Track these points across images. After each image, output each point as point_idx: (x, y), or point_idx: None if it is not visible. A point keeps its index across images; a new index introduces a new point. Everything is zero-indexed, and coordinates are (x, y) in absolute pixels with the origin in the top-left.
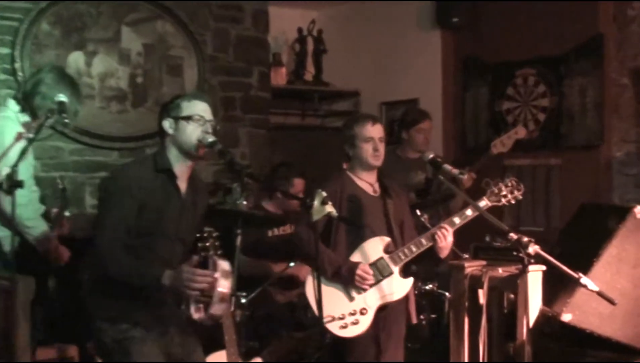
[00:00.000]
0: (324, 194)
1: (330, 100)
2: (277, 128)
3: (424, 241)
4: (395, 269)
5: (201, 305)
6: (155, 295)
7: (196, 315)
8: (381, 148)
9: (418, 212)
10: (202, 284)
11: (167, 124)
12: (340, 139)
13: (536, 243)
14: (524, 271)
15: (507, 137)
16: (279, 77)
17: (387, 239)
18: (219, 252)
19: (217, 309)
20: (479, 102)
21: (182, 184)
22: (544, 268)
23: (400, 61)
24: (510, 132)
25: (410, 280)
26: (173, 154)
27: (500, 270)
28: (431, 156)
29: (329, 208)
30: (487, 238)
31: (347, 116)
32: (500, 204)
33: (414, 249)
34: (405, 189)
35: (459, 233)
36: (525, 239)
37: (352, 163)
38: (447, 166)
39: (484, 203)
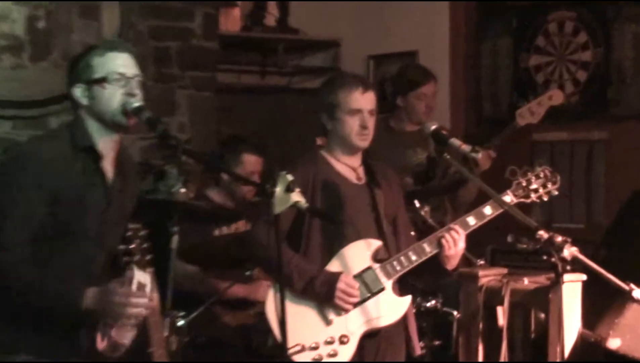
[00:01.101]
0: (290, 178)
1: (300, 52)
2: (228, 90)
3: (426, 247)
4: (388, 284)
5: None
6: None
7: (101, 345)
8: (371, 123)
9: (416, 203)
10: (140, 309)
11: (79, 93)
12: (314, 105)
13: (574, 243)
14: (557, 282)
15: (537, 103)
16: (231, 21)
17: (377, 242)
18: (147, 258)
19: (122, 336)
20: (499, 57)
21: (108, 167)
22: (584, 277)
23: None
24: (542, 97)
25: (408, 299)
26: (93, 126)
27: (526, 281)
28: (434, 127)
29: (297, 197)
30: (510, 238)
31: (322, 74)
32: (528, 200)
33: (413, 258)
34: (398, 175)
35: (472, 232)
36: (560, 239)
37: (330, 139)
38: (456, 141)
39: (508, 198)
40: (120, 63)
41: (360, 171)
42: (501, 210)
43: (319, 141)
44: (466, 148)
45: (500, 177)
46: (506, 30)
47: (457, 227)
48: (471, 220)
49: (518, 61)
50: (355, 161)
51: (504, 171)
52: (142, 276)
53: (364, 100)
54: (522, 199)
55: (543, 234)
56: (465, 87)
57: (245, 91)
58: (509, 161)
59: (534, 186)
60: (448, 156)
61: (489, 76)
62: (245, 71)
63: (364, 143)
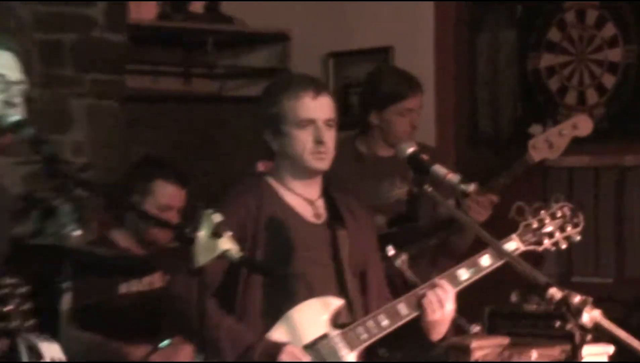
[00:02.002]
0: (218, 217)
1: (237, 49)
2: (141, 98)
3: (402, 309)
4: (351, 356)
5: None
6: None
7: None
8: (329, 137)
9: (391, 250)
10: None
11: None
12: (255, 119)
13: (597, 304)
14: (574, 357)
15: (557, 133)
16: (145, 7)
17: (337, 302)
18: (27, 324)
19: None
20: (501, 55)
21: None
22: (610, 350)
23: None
24: (564, 124)
25: None
26: None
27: (534, 354)
28: (411, 149)
29: (227, 244)
30: (513, 297)
31: (266, 77)
32: (541, 248)
33: (384, 323)
34: (370, 212)
35: (464, 289)
36: (578, 298)
37: (277, 162)
38: (440, 169)
39: (513, 244)
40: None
41: (320, 205)
42: (503, 261)
43: (261, 167)
44: (453, 178)
45: (503, 215)
46: (509, 21)
47: (444, 283)
48: (463, 274)
49: (524, 62)
50: (312, 191)
51: (508, 207)
52: (56, 350)
53: (317, 107)
54: (532, 247)
55: (556, 292)
56: (455, 96)
57: (164, 99)
58: (515, 193)
59: (548, 229)
60: (430, 189)
61: (487, 82)
62: (164, 72)
63: (321, 163)
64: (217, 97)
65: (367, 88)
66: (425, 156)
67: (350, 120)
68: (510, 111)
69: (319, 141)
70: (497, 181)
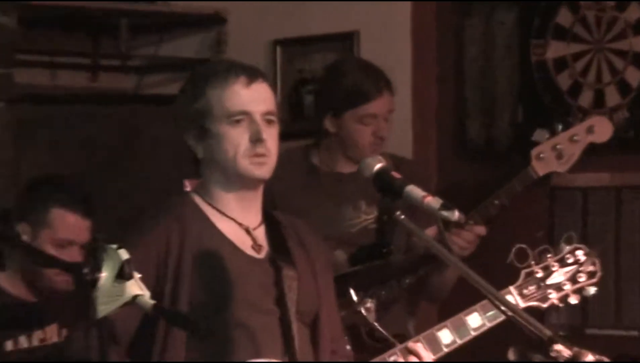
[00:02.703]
0: (124, 255)
1: (159, 35)
2: (35, 98)
3: None
4: None
5: None
6: None
7: None
8: (269, 135)
9: (353, 295)
10: None
11: None
12: (174, 119)
13: None
14: None
15: (567, 138)
16: None
17: None
18: None
19: None
20: (496, 44)
21: None
22: None
23: None
24: (577, 128)
25: None
26: None
27: None
28: (378, 165)
29: (136, 289)
30: (511, 355)
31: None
32: (546, 304)
33: None
34: (326, 243)
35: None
36: (591, 358)
37: (204, 174)
38: (416, 191)
39: (512, 298)
40: None
41: (260, 233)
42: (499, 320)
43: (188, 186)
44: (432, 202)
45: (496, 247)
46: (506, 0)
47: (419, 349)
48: (445, 336)
49: (526, 52)
50: (251, 214)
51: (504, 236)
52: None
53: (252, 96)
54: (535, 304)
55: (563, 350)
56: (438, 96)
57: (65, 99)
58: (513, 220)
59: (556, 279)
60: (403, 217)
61: (479, 76)
62: (65, 65)
63: (260, 169)
64: (134, 96)
65: (322, 87)
66: (396, 175)
67: (304, 126)
68: (508, 114)
69: (256, 140)
70: (490, 204)
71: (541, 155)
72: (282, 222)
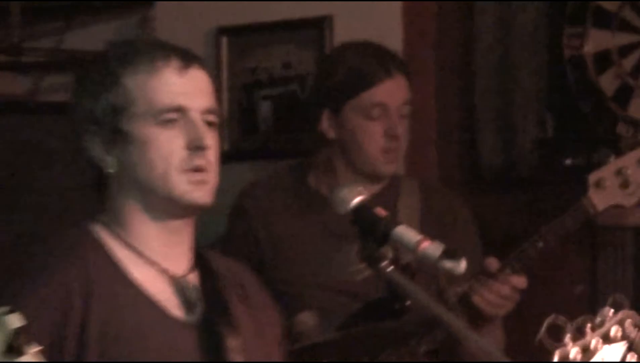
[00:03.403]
0: (17, 322)
1: (63, 23)
2: None
3: None
4: None
5: None
6: None
7: None
8: (212, 141)
9: None
10: None
11: None
12: (71, 123)
13: None
14: None
15: (635, 161)
16: None
17: None
18: None
19: None
20: (516, 34)
21: None
22: None
23: None
24: None
25: None
26: None
27: None
28: (358, 198)
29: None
30: None
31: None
32: None
33: None
34: (272, 299)
35: None
36: None
37: (116, 197)
38: (407, 234)
39: None
40: None
41: (191, 283)
42: None
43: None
44: (431, 250)
45: (522, 310)
46: None
47: None
48: None
49: (558, 44)
50: (180, 256)
51: (531, 298)
52: None
53: (188, 88)
54: None
55: None
56: (438, 103)
57: None
58: (542, 271)
59: (598, 358)
60: (391, 269)
61: (493, 78)
62: None
63: (201, 191)
64: (28, 102)
65: (315, 81)
66: (381, 212)
67: (258, 144)
68: (533, 128)
69: (195, 147)
70: (532, 247)
71: (601, 183)
72: (219, 267)
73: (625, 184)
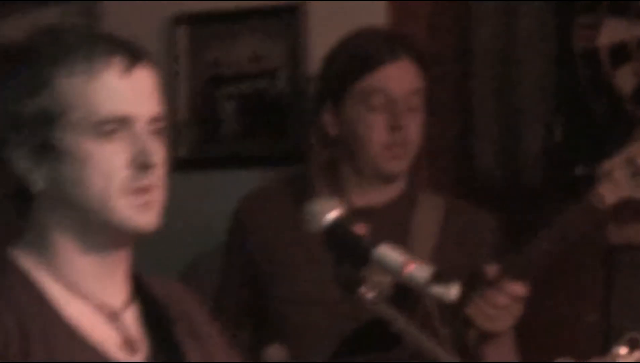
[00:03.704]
0: None
1: None
2: None
3: None
4: None
5: None
6: None
7: None
8: (160, 155)
9: None
10: None
11: None
12: None
13: None
14: None
15: None
16: None
17: None
18: None
19: None
20: (520, 24)
21: None
22: None
23: None
24: None
25: None
26: None
27: None
28: (332, 214)
29: None
30: None
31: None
32: None
33: None
34: (217, 324)
35: None
36: None
37: (42, 222)
38: (391, 256)
39: None
40: None
41: (131, 319)
42: None
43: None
44: (418, 272)
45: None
46: None
47: None
48: None
49: (568, 35)
50: (116, 287)
51: (538, 327)
52: None
53: (134, 92)
54: None
55: None
56: (429, 104)
57: None
58: (551, 297)
59: None
60: (372, 295)
61: (493, 74)
62: None
63: (146, 216)
64: None
65: (319, 71)
66: (360, 229)
67: (221, 149)
68: (540, 132)
69: (142, 164)
70: (534, 251)
71: (612, 174)
72: (161, 295)
73: (637, 174)
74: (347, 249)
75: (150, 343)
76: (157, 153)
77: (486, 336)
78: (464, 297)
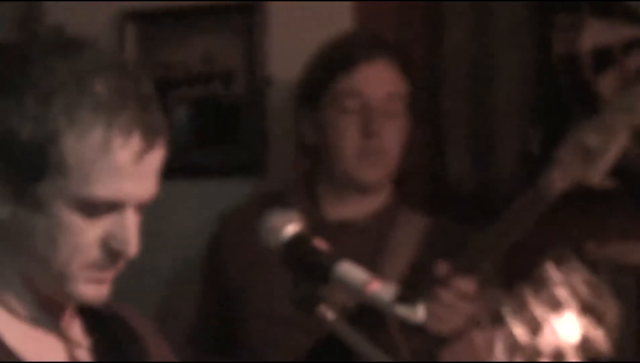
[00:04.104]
0: None
1: None
2: None
3: None
4: None
5: None
6: None
7: None
8: (133, 240)
9: None
10: None
11: None
12: None
13: None
14: None
15: (601, 124)
16: None
17: None
18: None
19: None
20: (495, 25)
21: None
22: None
23: None
24: (615, 104)
25: None
26: None
27: None
28: (290, 228)
29: None
30: None
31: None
32: None
33: None
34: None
35: None
36: None
37: None
38: (353, 273)
39: None
40: None
41: (78, 339)
42: None
43: None
44: (382, 292)
45: None
46: None
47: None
48: None
49: (547, 38)
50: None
51: None
52: None
53: (139, 178)
54: None
55: None
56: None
57: None
58: None
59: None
60: (330, 315)
61: (466, 80)
62: None
63: (96, 291)
64: None
65: (299, 78)
66: (320, 244)
67: (175, 154)
68: (515, 142)
69: (118, 253)
70: (480, 243)
71: (562, 159)
72: (107, 319)
73: (586, 156)
74: (306, 266)
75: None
76: (135, 239)
77: (441, 341)
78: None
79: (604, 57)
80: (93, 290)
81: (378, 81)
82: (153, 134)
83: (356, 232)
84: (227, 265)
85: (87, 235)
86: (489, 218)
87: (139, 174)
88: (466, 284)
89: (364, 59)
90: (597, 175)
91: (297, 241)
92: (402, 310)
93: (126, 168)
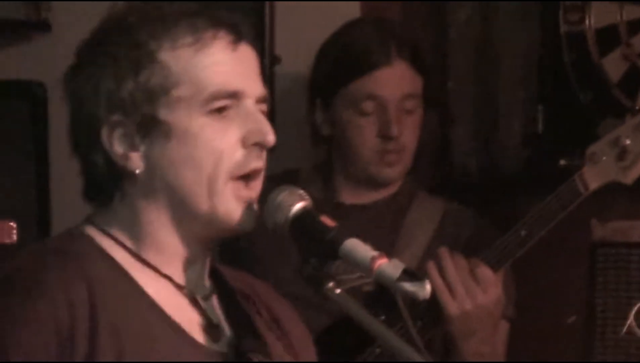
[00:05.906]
0: None
1: None
2: None
3: None
4: None
5: None
6: None
7: None
8: (268, 129)
9: None
10: None
11: None
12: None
13: None
14: None
15: (634, 127)
16: None
17: None
18: None
19: None
20: (500, 5)
21: None
22: None
23: None
24: None
25: None
26: None
27: None
28: (298, 205)
29: None
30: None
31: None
32: None
33: None
34: (296, 313)
35: None
36: None
37: (129, 197)
38: (360, 249)
39: None
40: None
41: (212, 306)
42: None
43: None
44: (388, 269)
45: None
46: None
47: None
48: None
49: (553, 18)
50: (200, 273)
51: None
52: None
53: (241, 67)
54: None
55: None
56: None
57: None
58: (532, 295)
59: None
60: (338, 292)
61: (471, 60)
62: None
63: (246, 213)
64: None
65: (313, 63)
66: (328, 221)
67: None
68: (520, 122)
69: (256, 144)
70: (514, 238)
71: (596, 157)
72: (235, 284)
73: (622, 156)
74: (313, 241)
75: (233, 331)
76: (270, 129)
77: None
78: None
79: (609, 37)
80: (242, 209)
81: (396, 83)
82: (239, 32)
83: (372, 214)
84: (245, 244)
85: (225, 137)
86: (493, 197)
87: (240, 62)
88: (484, 271)
89: (382, 62)
90: (632, 176)
91: (305, 216)
92: (409, 287)
93: (225, 56)
